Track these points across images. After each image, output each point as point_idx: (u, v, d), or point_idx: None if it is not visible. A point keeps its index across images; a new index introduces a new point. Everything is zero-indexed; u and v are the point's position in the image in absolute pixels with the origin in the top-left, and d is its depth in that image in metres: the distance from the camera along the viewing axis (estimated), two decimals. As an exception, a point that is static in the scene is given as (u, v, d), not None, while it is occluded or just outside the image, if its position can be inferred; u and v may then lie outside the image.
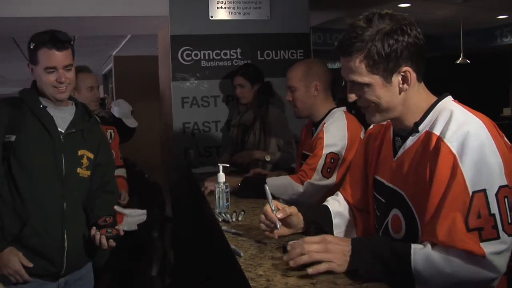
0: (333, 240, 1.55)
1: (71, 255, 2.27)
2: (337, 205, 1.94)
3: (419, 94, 1.57)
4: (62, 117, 2.32)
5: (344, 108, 2.69)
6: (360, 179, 1.90)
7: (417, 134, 1.56)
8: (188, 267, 2.87)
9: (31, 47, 2.25)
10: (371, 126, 1.88)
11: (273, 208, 1.81)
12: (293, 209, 1.85)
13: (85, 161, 2.34)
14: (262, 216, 1.84)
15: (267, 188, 1.86)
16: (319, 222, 1.88)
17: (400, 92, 1.54)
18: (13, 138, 2.20)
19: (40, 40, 2.23)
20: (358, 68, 1.52)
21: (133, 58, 8.52)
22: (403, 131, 1.62)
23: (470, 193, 1.37)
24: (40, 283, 2.25)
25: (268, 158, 3.45)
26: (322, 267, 1.50)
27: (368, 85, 1.53)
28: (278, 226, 1.79)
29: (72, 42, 2.30)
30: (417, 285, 1.41)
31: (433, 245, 1.41)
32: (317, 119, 2.70)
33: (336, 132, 2.57)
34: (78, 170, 2.32)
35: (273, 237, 1.83)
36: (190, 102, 4.22)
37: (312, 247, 1.53)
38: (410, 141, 1.58)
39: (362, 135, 2.59)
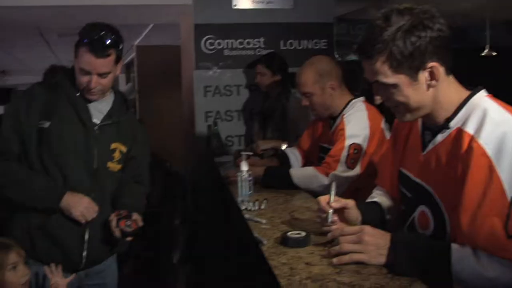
0: (370, 232, 1.51)
1: (92, 249, 2.22)
2: (385, 199, 1.87)
3: (449, 89, 1.51)
4: (98, 108, 2.24)
5: (363, 98, 2.65)
6: (391, 170, 1.84)
7: (447, 130, 1.50)
8: (209, 255, 2.87)
9: (78, 38, 2.12)
10: None
11: (332, 199, 1.70)
12: (350, 202, 1.75)
13: (117, 154, 2.26)
14: (316, 207, 1.76)
15: (334, 184, 1.76)
16: (374, 220, 1.76)
17: (429, 89, 1.47)
18: (47, 124, 2.13)
19: (84, 37, 2.09)
20: (381, 70, 1.46)
21: (156, 47, 8.53)
22: (433, 126, 1.56)
23: (509, 198, 1.31)
24: None
25: (284, 147, 3.42)
26: (346, 258, 1.49)
27: (394, 85, 1.47)
28: (330, 218, 1.68)
29: (120, 47, 2.14)
30: (456, 286, 1.37)
31: (473, 248, 1.36)
32: (336, 113, 2.67)
33: (357, 123, 2.54)
34: (109, 164, 2.24)
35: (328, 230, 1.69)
36: (212, 91, 4.21)
37: (346, 238, 1.52)
38: (440, 137, 1.52)
39: (382, 124, 2.56)
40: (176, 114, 6.35)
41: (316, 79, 2.60)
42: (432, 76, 1.46)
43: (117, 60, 2.15)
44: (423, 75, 1.45)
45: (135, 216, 2.18)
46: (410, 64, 1.43)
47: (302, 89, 2.65)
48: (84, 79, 2.12)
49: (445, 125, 1.50)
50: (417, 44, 1.41)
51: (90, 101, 2.21)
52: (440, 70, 1.45)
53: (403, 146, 1.75)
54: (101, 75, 2.12)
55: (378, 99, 1.57)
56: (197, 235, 3.48)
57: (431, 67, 1.44)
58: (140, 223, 2.17)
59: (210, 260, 2.74)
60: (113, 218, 2.14)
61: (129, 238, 2.14)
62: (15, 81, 12.23)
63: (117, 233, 2.12)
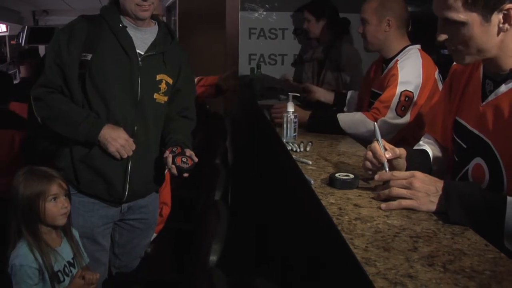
0: (421, 178, 1.46)
1: (134, 181, 2.25)
2: (434, 149, 1.82)
3: None
4: (143, 38, 2.23)
5: (419, 46, 2.56)
6: (443, 118, 1.78)
7: None
8: (250, 195, 2.88)
9: None
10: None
11: (382, 147, 1.63)
12: (402, 151, 1.66)
13: (163, 86, 2.26)
14: (369, 154, 1.64)
15: (376, 126, 1.68)
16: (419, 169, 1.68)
17: (499, 33, 1.39)
18: (89, 57, 2.13)
19: None
20: (454, 5, 1.38)
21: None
22: (496, 75, 1.48)
23: None
24: (102, 205, 2.26)
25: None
26: (394, 204, 1.45)
27: (463, 23, 1.39)
28: (386, 167, 1.60)
29: None
30: (506, 240, 1.32)
31: None
32: (389, 56, 2.59)
33: (410, 70, 2.45)
34: (155, 95, 2.24)
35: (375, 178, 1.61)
36: (257, 33, 4.13)
37: (396, 182, 1.48)
38: (504, 87, 1.45)
39: (436, 75, 2.48)
40: (217, 56, 6.30)
41: (377, 9, 2.53)
42: (506, 19, 1.37)
43: None
44: (497, 17, 1.37)
45: (189, 152, 2.18)
46: (486, 2, 1.35)
47: (361, 14, 2.59)
48: None
49: (511, 75, 1.43)
50: None
51: (133, 32, 2.21)
52: None
53: (460, 94, 1.68)
54: None
55: (443, 37, 1.47)
56: (237, 174, 3.50)
57: (507, 9, 1.36)
58: (195, 159, 2.16)
59: (251, 199, 2.75)
60: (168, 155, 2.14)
61: (185, 175, 2.14)
62: (57, 21, 12.30)
63: (174, 170, 2.12)
